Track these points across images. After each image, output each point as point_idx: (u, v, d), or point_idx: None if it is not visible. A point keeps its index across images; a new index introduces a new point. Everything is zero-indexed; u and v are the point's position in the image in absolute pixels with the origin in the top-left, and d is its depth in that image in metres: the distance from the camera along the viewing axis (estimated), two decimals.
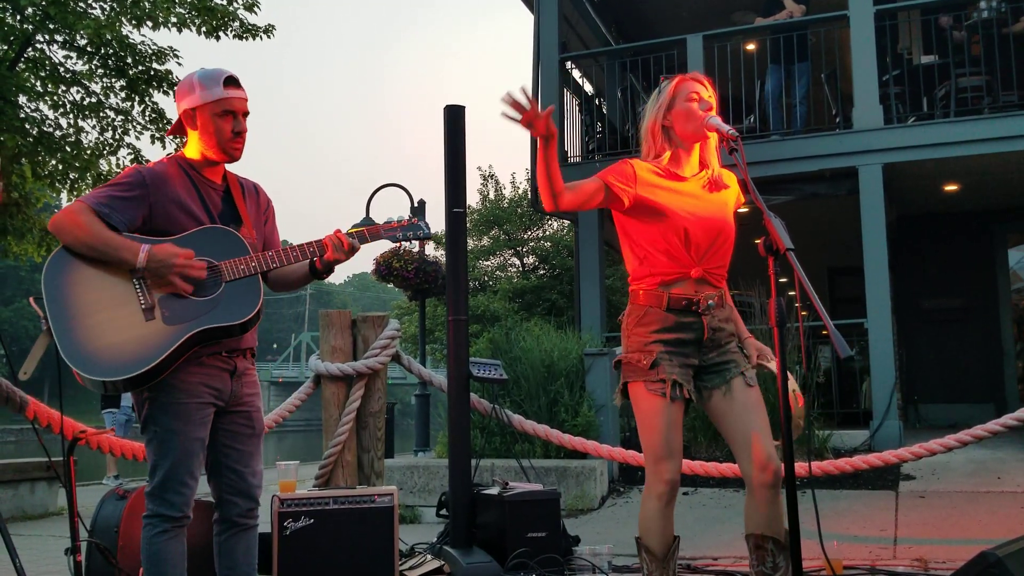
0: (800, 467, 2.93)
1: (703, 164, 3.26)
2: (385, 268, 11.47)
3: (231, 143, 3.08)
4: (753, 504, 3.21)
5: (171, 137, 12.20)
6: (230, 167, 3.24)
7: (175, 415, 2.94)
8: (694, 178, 3.23)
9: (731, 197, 3.28)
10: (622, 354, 3.21)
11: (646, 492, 3.18)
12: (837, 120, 9.89)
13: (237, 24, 12.00)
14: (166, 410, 2.94)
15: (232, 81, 3.10)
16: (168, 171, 3.06)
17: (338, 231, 3.10)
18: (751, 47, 10.54)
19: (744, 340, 3.25)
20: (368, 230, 3.15)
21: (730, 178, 3.30)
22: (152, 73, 11.94)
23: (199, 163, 3.13)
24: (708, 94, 3.22)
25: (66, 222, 2.88)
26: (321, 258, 3.13)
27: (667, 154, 3.23)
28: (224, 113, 3.06)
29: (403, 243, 3.20)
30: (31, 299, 2.99)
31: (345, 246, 3.07)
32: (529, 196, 16.44)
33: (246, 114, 3.12)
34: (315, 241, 3.11)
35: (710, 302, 3.12)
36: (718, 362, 3.15)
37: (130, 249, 2.87)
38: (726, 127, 3.06)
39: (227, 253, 3.00)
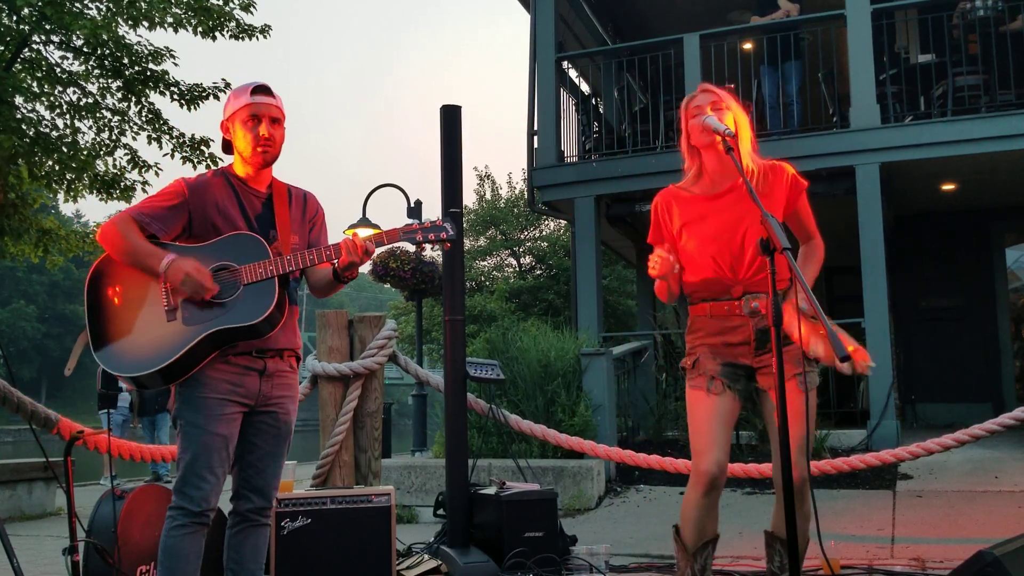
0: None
1: (730, 168, 3.18)
2: (382, 268, 11.47)
3: (259, 147, 3.18)
4: (777, 505, 3.28)
5: (169, 138, 12.20)
6: (282, 176, 3.37)
7: (197, 409, 3.06)
8: (729, 192, 3.23)
9: (775, 193, 3.21)
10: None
11: (689, 482, 3.26)
12: (834, 119, 9.90)
13: (233, 24, 11.98)
14: (190, 404, 3.07)
15: (261, 89, 3.22)
16: (210, 181, 3.23)
17: (355, 234, 3.16)
18: (748, 46, 10.55)
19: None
20: (386, 233, 3.18)
21: (775, 177, 3.25)
22: (148, 73, 11.90)
23: (243, 175, 3.26)
24: (712, 98, 3.26)
25: (108, 234, 3.11)
26: (337, 262, 3.17)
27: (693, 171, 3.35)
28: (251, 118, 3.18)
29: (424, 245, 3.22)
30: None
31: (359, 250, 3.10)
32: (526, 196, 16.44)
33: (275, 120, 3.20)
34: (332, 245, 3.17)
35: (754, 304, 3.16)
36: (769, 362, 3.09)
37: (156, 256, 3.06)
38: (722, 127, 3.06)
39: (249, 257, 3.10)
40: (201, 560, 3.06)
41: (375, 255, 3.26)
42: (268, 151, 3.20)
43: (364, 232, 3.26)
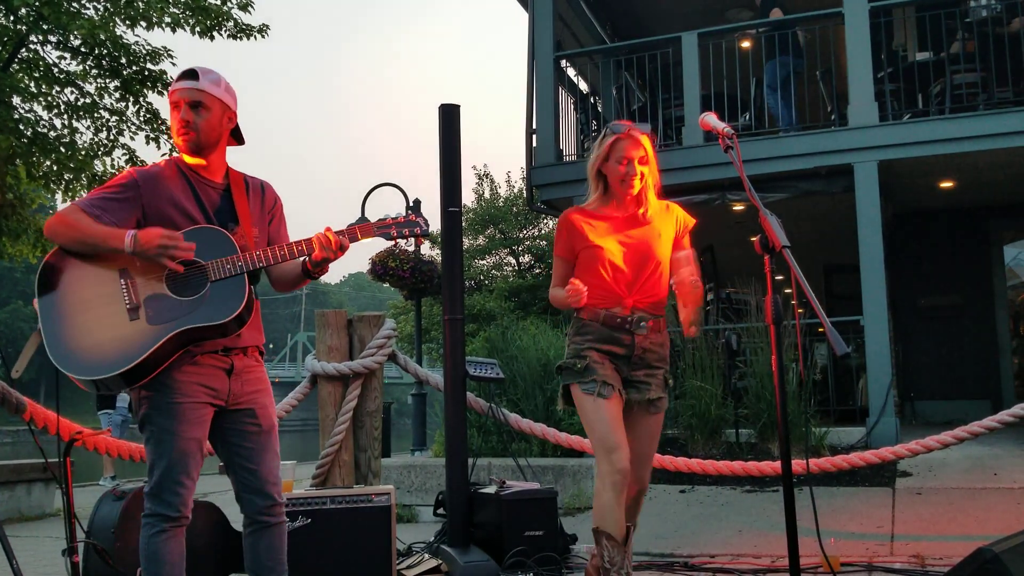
0: (797, 464, 2.93)
1: (638, 203, 3.58)
2: (381, 268, 11.46)
3: (178, 133, 3.10)
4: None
5: (167, 138, 12.22)
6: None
7: (170, 415, 2.95)
8: (624, 217, 3.59)
9: (665, 230, 3.59)
10: (563, 360, 3.60)
11: (600, 483, 3.40)
12: (832, 117, 9.89)
13: (231, 24, 11.97)
14: (161, 410, 2.96)
15: (184, 74, 3.13)
16: (163, 172, 3.11)
17: (328, 229, 3.07)
18: (746, 45, 10.55)
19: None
20: (360, 227, 3.11)
21: (668, 216, 3.62)
22: (146, 73, 11.91)
23: (193, 164, 3.15)
24: (641, 153, 3.52)
25: (57, 224, 2.96)
26: (310, 257, 3.10)
27: (597, 195, 3.65)
28: (173, 105, 3.11)
29: (398, 240, 3.15)
30: (34, 300, 3.02)
31: (333, 244, 3.03)
32: (524, 195, 16.40)
33: (195, 104, 3.08)
34: (304, 240, 3.09)
35: (642, 323, 3.49)
36: (642, 380, 3.54)
37: (117, 236, 2.91)
38: (721, 124, 3.07)
39: (215, 252, 3.00)
40: (184, 557, 3.00)
41: (373, 254, 3.24)
42: (187, 136, 3.07)
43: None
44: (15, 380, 3.55)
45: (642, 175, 3.53)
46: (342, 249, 3.05)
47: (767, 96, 9.74)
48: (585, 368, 3.46)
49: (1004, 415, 5.40)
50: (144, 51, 11.88)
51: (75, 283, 2.97)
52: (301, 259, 3.14)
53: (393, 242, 3.16)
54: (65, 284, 2.97)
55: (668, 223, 3.62)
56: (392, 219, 3.11)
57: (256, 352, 3.22)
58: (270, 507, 3.15)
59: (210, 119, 3.10)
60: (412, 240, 3.12)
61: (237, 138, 3.27)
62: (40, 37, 11.55)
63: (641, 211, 3.58)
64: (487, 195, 26.53)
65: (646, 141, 3.57)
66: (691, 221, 3.68)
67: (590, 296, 3.46)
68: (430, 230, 3.13)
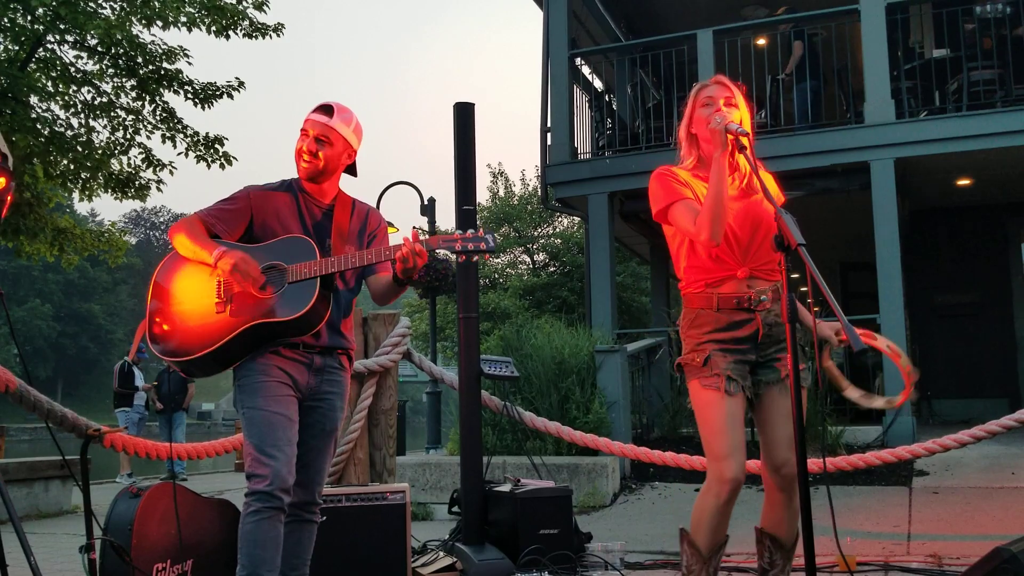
0: (813, 463, 2.92)
1: (732, 167, 3.16)
2: None
3: (298, 158, 3.36)
4: (767, 502, 3.26)
5: (183, 137, 12.25)
6: (348, 190, 3.53)
7: (255, 392, 3.17)
8: (748, 189, 3.18)
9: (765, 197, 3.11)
10: (681, 356, 3.24)
11: (705, 488, 3.16)
12: (849, 115, 9.86)
13: (247, 23, 12.00)
14: (247, 390, 3.20)
15: (320, 108, 3.39)
16: (276, 190, 3.42)
17: (405, 238, 3.17)
18: (761, 42, 10.51)
19: (814, 327, 3.22)
20: (429, 239, 3.21)
21: (766, 178, 3.12)
22: (162, 72, 11.94)
23: (308, 188, 3.42)
24: (728, 94, 3.19)
25: (175, 230, 3.32)
26: (395, 268, 3.21)
27: (690, 160, 3.28)
28: (302, 131, 3.38)
29: (463, 256, 3.22)
30: (148, 290, 3.40)
31: (405, 251, 3.09)
32: (539, 193, 16.36)
33: (321, 138, 3.33)
34: (369, 250, 3.23)
35: (762, 297, 3.11)
36: (776, 357, 3.17)
37: (209, 247, 3.21)
38: (734, 125, 3.02)
39: (297, 258, 3.21)
40: (280, 548, 3.09)
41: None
42: (308, 165, 3.33)
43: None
44: (33, 378, 3.61)
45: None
46: (419, 256, 3.11)
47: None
48: (705, 361, 3.10)
49: (1022, 414, 5.36)
50: (160, 51, 11.91)
51: (182, 279, 3.31)
52: (390, 273, 3.28)
53: (459, 257, 3.25)
54: (174, 279, 3.33)
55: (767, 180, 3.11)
56: (459, 234, 3.18)
57: (341, 355, 3.40)
58: (308, 504, 3.32)
59: (331, 153, 3.36)
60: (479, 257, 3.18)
61: (351, 171, 3.52)
62: (57, 37, 11.60)
63: (743, 178, 3.19)
64: (502, 193, 26.59)
65: (736, 91, 3.22)
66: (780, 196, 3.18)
67: (700, 269, 3.15)
68: (495, 247, 3.16)
